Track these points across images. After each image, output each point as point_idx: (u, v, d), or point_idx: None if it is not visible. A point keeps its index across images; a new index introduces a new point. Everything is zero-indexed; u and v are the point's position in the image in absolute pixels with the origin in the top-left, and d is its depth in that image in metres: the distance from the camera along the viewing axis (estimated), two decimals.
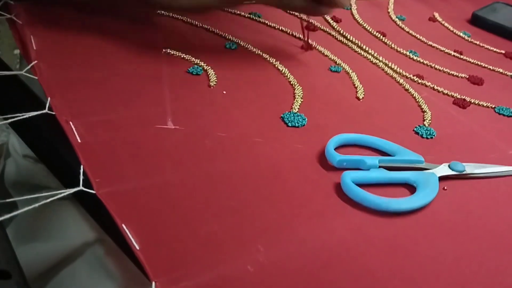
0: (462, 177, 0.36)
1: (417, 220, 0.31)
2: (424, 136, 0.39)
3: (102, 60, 0.39)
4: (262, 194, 0.30)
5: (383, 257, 0.28)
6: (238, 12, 0.53)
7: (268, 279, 0.25)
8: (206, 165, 0.32)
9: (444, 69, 0.52)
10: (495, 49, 0.60)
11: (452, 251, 0.29)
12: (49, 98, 0.33)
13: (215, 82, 0.40)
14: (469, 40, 0.62)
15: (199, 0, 0.40)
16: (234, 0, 0.39)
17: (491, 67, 0.55)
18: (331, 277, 0.26)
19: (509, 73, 0.54)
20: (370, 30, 0.57)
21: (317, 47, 0.50)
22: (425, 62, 0.53)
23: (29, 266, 0.40)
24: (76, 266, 0.40)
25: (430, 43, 0.58)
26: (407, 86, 0.46)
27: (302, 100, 0.40)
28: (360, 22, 0.59)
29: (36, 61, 0.37)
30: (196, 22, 0.48)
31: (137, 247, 0.25)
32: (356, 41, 0.53)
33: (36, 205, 0.26)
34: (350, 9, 0.62)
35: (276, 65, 0.45)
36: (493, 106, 0.47)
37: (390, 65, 0.50)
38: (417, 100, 0.45)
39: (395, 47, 0.54)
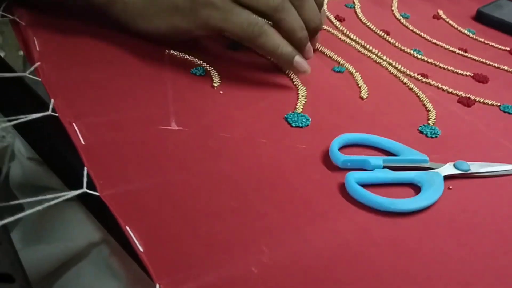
0: (467, 176, 0.36)
1: (422, 220, 0.31)
2: (429, 135, 0.39)
3: (105, 61, 0.39)
4: (265, 194, 0.30)
5: (387, 258, 0.28)
6: None
7: (272, 280, 0.25)
8: (210, 166, 0.31)
9: (449, 67, 0.52)
10: (500, 47, 0.60)
11: (457, 251, 0.29)
12: (52, 100, 0.33)
13: (219, 82, 0.40)
14: (474, 37, 0.61)
15: (174, 25, 0.39)
16: (212, 32, 0.39)
17: (496, 64, 0.55)
18: (336, 277, 0.26)
19: None
20: (374, 28, 0.57)
21: (320, 48, 0.49)
22: (429, 60, 0.52)
23: (34, 268, 0.41)
24: (81, 267, 0.41)
25: (435, 41, 0.58)
26: (411, 85, 0.46)
27: (305, 100, 0.40)
28: (364, 21, 0.59)
29: (39, 63, 0.37)
30: None
31: (141, 249, 0.25)
32: (360, 41, 0.53)
33: (40, 207, 0.26)
34: (354, 7, 0.62)
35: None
36: (498, 104, 0.46)
37: (394, 64, 0.50)
38: (422, 99, 0.44)
39: (399, 46, 0.54)
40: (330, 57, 0.49)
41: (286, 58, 0.40)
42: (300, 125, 0.37)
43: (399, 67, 0.49)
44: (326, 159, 0.34)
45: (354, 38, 0.54)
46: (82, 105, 0.34)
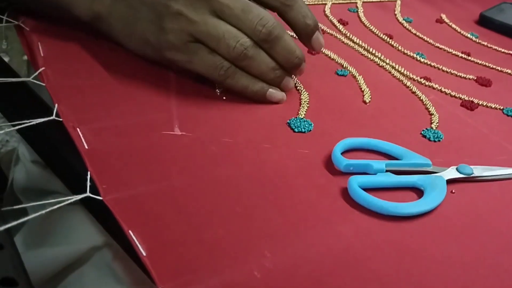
0: (470, 180, 0.35)
1: (424, 224, 0.31)
2: (432, 139, 0.39)
3: (108, 67, 0.40)
4: (268, 199, 0.30)
5: (390, 262, 0.28)
6: None
7: (274, 284, 0.25)
8: (213, 171, 0.32)
9: (452, 71, 0.52)
10: (503, 50, 0.60)
11: (461, 255, 0.29)
12: (56, 105, 0.34)
13: (222, 88, 0.40)
14: (477, 41, 0.61)
15: (147, 55, 0.39)
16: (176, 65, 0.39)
17: (499, 68, 0.55)
18: (339, 282, 0.26)
19: None
20: (377, 32, 0.57)
21: (323, 51, 0.50)
22: (432, 64, 0.52)
23: (37, 271, 0.41)
24: (83, 270, 0.41)
25: (438, 45, 0.58)
26: (414, 89, 0.46)
27: (308, 105, 0.40)
28: (367, 25, 0.59)
29: (43, 68, 0.37)
30: None
31: (144, 253, 0.25)
32: (363, 44, 0.53)
33: (43, 212, 0.26)
34: (357, 11, 0.62)
35: None
36: (502, 107, 0.46)
37: (397, 67, 0.50)
38: (425, 102, 0.44)
39: (402, 49, 0.54)
40: (333, 59, 0.49)
41: (258, 95, 0.39)
42: (303, 130, 0.37)
43: (402, 71, 0.49)
44: (329, 164, 0.34)
45: (357, 41, 0.54)
46: (86, 110, 0.34)
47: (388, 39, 0.56)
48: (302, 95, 0.41)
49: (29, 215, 0.26)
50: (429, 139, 0.39)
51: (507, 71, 0.54)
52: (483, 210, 0.33)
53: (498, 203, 0.34)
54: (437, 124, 0.41)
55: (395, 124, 0.41)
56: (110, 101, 0.36)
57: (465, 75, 0.51)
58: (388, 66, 0.50)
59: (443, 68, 0.52)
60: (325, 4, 0.62)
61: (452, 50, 0.57)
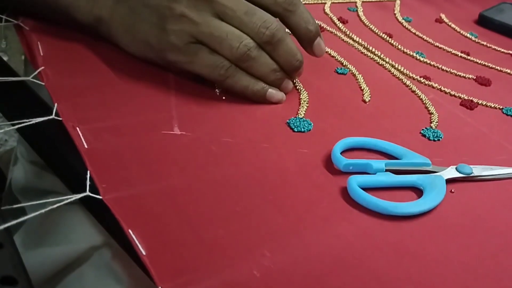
0: (469, 179, 0.35)
1: (424, 224, 0.31)
2: (431, 138, 0.39)
3: (108, 66, 0.40)
4: (268, 199, 0.30)
5: (390, 261, 0.28)
6: None
7: (274, 284, 0.25)
8: (212, 170, 0.32)
9: (451, 70, 0.52)
10: (502, 50, 0.60)
11: (460, 255, 0.29)
12: (56, 104, 0.34)
13: (222, 88, 0.40)
14: (476, 41, 0.61)
15: (148, 57, 0.39)
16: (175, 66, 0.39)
17: (498, 67, 0.55)
18: (338, 281, 0.26)
19: None
20: (377, 31, 0.57)
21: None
22: (432, 63, 0.52)
23: (36, 271, 0.41)
24: (83, 270, 0.41)
25: (437, 44, 0.58)
26: (414, 88, 0.46)
27: (307, 105, 0.40)
28: (367, 24, 0.59)
29: (43, 67, 0.37)
30: None
31: (143, 253, 0.25)
32: (363, 42, 0.53)
33: (43, 211, 0.26)
34: (356, 10, 0.62)
35: None
36: (501, 107, 0.46)
37: (396, 66, 0.50)
38: (424, 101, 0.44)
39: (402, 49, 0.54)
40: (333, 57, 0.49)
41: (258, 95, 0.39)
42: (302, 130, 0.37)
43: (402, 69, 0.49)
44: (329, 163, 0.34)
45: (357, 39, 0.54)
46: (86, 109, 0.34)
47: (387, 38, 0.56)
48: (301, 95, 0.41)
49: (28, 215, 0.25)
50: (428, 139, 0.39)
51: (506, 70, 0.54)
52: (483, 210, 0.33)
53: (498, 202, 0.34)
54: (437, 123, 0.41)
55: (394, 123, 0.41)
56: (110, 101, 0.36)
57: (464, 75, 0.51)
58: (388, 64, 0.50)
59: (443, 68, 0.52)
60: (325, 3, 0.62)
61: (451, 50, 0.57)
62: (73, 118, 0.33)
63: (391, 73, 0.49)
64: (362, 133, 0.38)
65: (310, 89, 0.42)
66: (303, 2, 0.61)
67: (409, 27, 0.61)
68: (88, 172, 0.29)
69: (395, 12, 0.65)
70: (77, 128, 0.32)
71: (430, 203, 0.32)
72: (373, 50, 0.52)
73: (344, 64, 0.48)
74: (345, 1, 0.64)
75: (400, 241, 0.29)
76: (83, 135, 0.32)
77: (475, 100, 0.46)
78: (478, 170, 0.36)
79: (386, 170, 0.34)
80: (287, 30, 0.39)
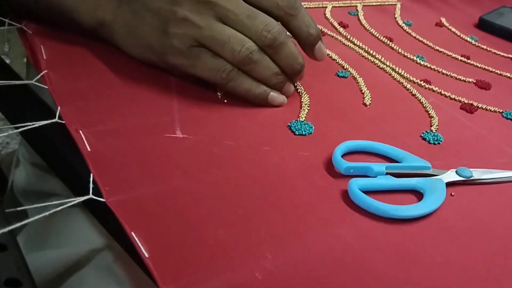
0: (469, 183, 0.36)
1: (424, 227, 0.31)
2: (432, 142, 0.39)
3: (111, 69, 0.40)
4: (269, 201, 0.30)
5: (390, 264, 0.28)
6: None
7: (275, 285, 0.25)
8: (214, 173, 0.32)
9: (451, 74, 0.52)
10: (502, 54, 0.60)
11: (460, 258, 0.29)
12: (59, 107, 0.34)
13: (223, 91, 0.40)
14: (476, 44, 0.61)
15: (151, 61, 0.40)
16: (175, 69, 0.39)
17: (498, 71, 0.55)
18: (339, 283, 0.26)
19: None
20: (377, 35, 0.58)
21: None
22: (432, 67, 0.53)
23: (39, 273, 0.41)
24: (85, 272, 0.41)
25: (437, 48, 0.58)
26: (414, 91, 0.46)
27: (309, 108, 0.40)
28: (367, 28, 0.59)
29: (46, 71, 0.37)
30: None
31: (146, 255, 0.25)
32: (363, 46, 0.53)
33: (46, 213, 0.26)
34: (357, 15, 0.62)
35: None
36: (501, 110, 0.46)
37: (397, 70, 0.50)
38: (424, 105, 0.45)
39: (402, 52, 0.55)
40: (334, 60, 0.49)
41: (260, 99, 0.39)
42: (304, 133, 0.37)
43: (402, 73, 0.49)
44: (329, 166, 0.34)
45: (358, 43, 0.54)
46: (89, 112, 0.35)
47: (388, 41, 0.56)
48: (302, 98, 0.42)
49: (30, 217, 0.26)
50: (429, 142, 0.40)
51: (506, 74, 0.54)
52: (483, 213, 0.33)
53: (497, 206, 0.34)
54: (437, 126, 0.42)
55: (395, 126, 0.41)
56: (113, 104, 0.36)
57: (464, 78, 0.52)
58: (389, 68, 0.50)
59: (443, 71, 0.52)
60: (326, 7, 0.62)
61: (451, 53, 0.57)
62: (76, 121, 0.33)
63: (392, 77, 0.49)
64: (362, 136, 0.38)
65: (311, 92, 0.43)
66: (304, 6, 0.61)
67: (410, 31, 0.61)
68: (91, 175, 0.29)
69: (395, 16, 0.65)
70: (80, 131, 0.32)
71: (430, 206, 0.32)
72: (374, 53, 0.52)
73: (345, 67, 0.48)
74: (345, 5, 0.65)
75: (401, 243, 0.30)
76: (86, 138, 0.32)
77: (475, 103, 0.46)
78: (478, 174, 0.36)
79: (387, 173, 0.34)
80: (288, 34, 0.40)
